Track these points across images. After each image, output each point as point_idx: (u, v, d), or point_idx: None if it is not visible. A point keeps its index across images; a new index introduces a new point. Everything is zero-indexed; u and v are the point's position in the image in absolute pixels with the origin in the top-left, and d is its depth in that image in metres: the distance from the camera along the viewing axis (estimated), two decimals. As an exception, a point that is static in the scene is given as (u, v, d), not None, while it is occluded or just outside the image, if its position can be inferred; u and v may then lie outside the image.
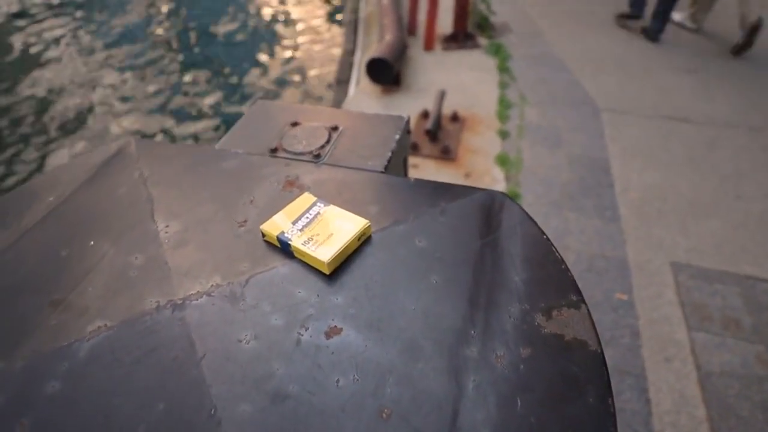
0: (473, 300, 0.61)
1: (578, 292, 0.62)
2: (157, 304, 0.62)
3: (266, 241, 0.71)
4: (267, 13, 6.67)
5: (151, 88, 4.92)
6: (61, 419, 0.52)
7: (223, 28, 6.12)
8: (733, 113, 3.38)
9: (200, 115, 4.57)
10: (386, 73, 3.38)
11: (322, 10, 6.60)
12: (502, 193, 0.76)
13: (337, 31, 5.91)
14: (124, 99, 4.77)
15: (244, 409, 0.51)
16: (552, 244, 0.68)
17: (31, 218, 0.77)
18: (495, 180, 2.75)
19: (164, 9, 6.65)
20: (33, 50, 5.59)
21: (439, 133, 3.02)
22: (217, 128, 4.39)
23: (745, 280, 2.21)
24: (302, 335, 0.58)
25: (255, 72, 5.27)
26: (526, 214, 0.73)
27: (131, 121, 4.48)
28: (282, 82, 5.11)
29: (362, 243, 0.70)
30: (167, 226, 0.74)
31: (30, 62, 5.35)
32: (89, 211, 0.78)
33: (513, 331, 0.58)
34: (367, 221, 0.70)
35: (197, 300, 0.63)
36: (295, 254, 0.68)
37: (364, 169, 0.87)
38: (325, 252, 0.65)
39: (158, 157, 0.88)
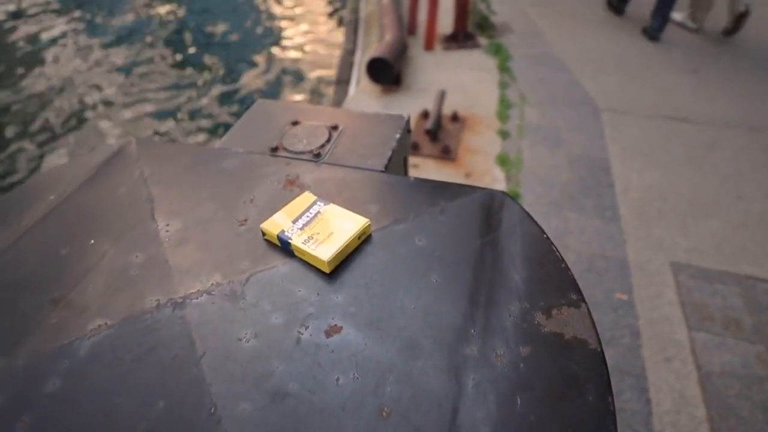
0: (473, 299, 0.61)
1: (578, 291, 0.62)
2: (157, 303, 0.62)
3: (266, 240, 0.71)
4: (267, 12, 6.67)
5: (151, 88, 4.92)
6: (61, 417, 0.52)
7: (222, 28, 6.13)
8: (733, 113, 3.38)
9: (200, 115, 4.58)
10: (386, 73, 3.38)
11: (323, 10, 6.60)
12: (502, 192, 0.76)
13: (337, 31, 5.91)
14: (124, 99, 4.77)
15: (244, 407, 0.52)
16: (552, 243, 0.68)
17: (32, 217, 0.77)
18: (495, 180, 2.75)
19: (163, 8, 6.65)
20: (31, 49, 5.59)
21: (439, 132, 3.02)
22: (217, 127, 4.39)
23: (745, 280, 2.21)
24: (302, 334, 0.58)
25: (255, 71, 5.27)
26: (526, 213, 0.73)
27: (131, 121, 4.48)
28: (282, 82, 5.11)
29: (362, 242, 0.70)
30: (168, 225, 0.74)
31: (28, 62, 5.35)
32: (90, 210, 0.78)
33: (513, 329, 0.58)
34: (367, 220, 0.70)
35: (197, 298, 0.63)
36: (296, 253, 0.68)
37: (364, 168, 0.87)
38: (325, 251, 0.65)
39: (159, 157, 0.88)
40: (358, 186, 0.80)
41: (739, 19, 4.13)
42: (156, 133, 4.33)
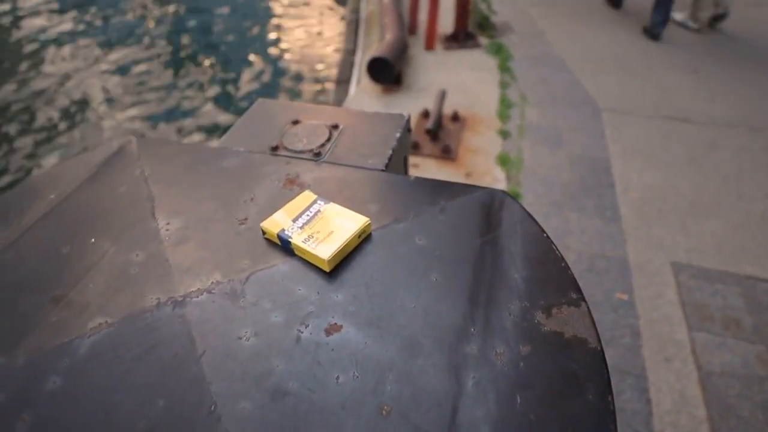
0: (473, 298, 0.61)
1: (578, 290, 0.62)
2: (157, 301, 0.63)
3: (267, 239, 0.71)
4: (267, 12, 6.67)
5: (151, 87, 4.92)
6: (61, 415, 0.52)
7: (222, 27, 6.13)
8: (733, 113, 3.37)
9: (200, 114, 4.58)
10: (387, 73, 3.38)
11: (323, 10, 6.60)
12: (502, 191, 0.76)
13: (337, 31, 5.91)
14: (124, 98, 4.77)
15: (244, 406, 0.52)
16: (552, 242, 0.68)
17: (33, 216, 0.77)
18: (496, 180, 2.75)
19: (163, 8, 6.66)
20: (31, 49, 5.60)
21: (439, 132, 3.02)
22: (217, 127, 4.39)
23: (745, 280, 2.21)
24: (302, 332, 0.58)
25: (255, 71, 5.27)
26: (526, 212, 0.73)
27: (131, 120, 4.48)
28: (282, 81, 5.11)
29: (362, 241, 0.70)
30: (168, 224, 0.74)
31: (27, 61, 5.35)
32: (90, 208, 0.78)
33: (513, 328, 0.58)
34: (367, 219, 0.70)
35: (198, 297, 0.63)
36: (296, 252, 0.68)
37: (364, 167, 0.87)
38: (325, 249, 0.65)
39: (159, 156, 0.88)
40: (358, 185, 0.80)
41: (716, 20, 4.28)
42: (156, 132, 4.33)
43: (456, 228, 0.71)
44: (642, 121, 3.30)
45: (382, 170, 0.87)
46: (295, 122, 1.00)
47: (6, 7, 6.49)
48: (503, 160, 2.89)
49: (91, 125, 4.42)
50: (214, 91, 4.92)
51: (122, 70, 5.19)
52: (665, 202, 2.64)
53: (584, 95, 3.58)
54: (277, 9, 6.74)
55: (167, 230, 0.73)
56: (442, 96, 3.13)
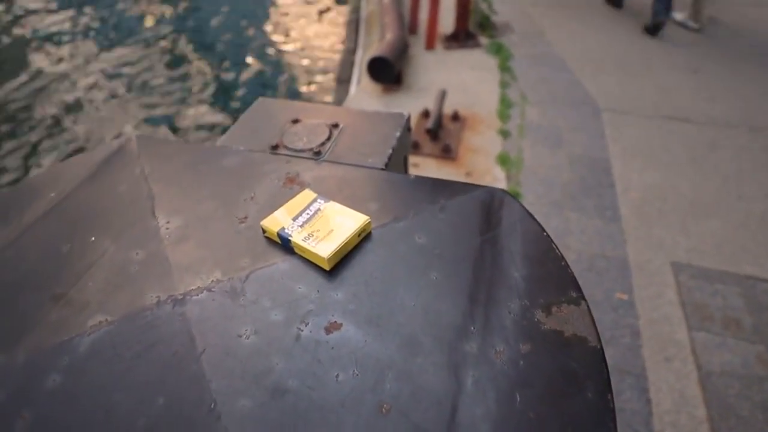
0: (473, 296, 0.61)
1: (578, 289, 0.62)
2: (157, 300, 0.63)
3: (267, 237, 0.71)
4: (267, 11, 6.67)
5: (151, 86, 4.92)
6: (61, 413, 0.52)
7: (223, 27, 6.13)
8: (733, 113, 3.37)
9: (200, 113, 4.58)
10: (387, 72, 3.38)
11: (323, 9, 6.60)
12: (502, 190, 0.76)
13: (338, 30, 5.91)
14: (124, 97, 4.77)
15: (244, 403, 0.52)
16: (552, 241, 0.68)
17: (33, 214, 0.77)
18: (496, 179, 2.75)
19: (163, 7, 6.66)
20: (30, 48, 5.60)
21: (440, 132, 3.02)
22: (217, 126, 4.39)
23: (745, 280, 2.21)
24: (302, 330, 0.58)
25: (255, 70, 5.27)
26: (526, 211, 0.73)
27: (131, 119, 4.48)
28: (283, 80, 5.11)
29: (362, 239, 0.70)
30: (168, 223, 0.74)
31: (27, 61, 5.35)
32: (90, 207, 0.78)
33: (512, 327, 0.58)
34: (367, 217, 0.70)
35: (197, 295, 0.63)
36: (296, 250, 0.68)
37: (364, 166, 0.87)
38: (325, 248, 0.65)
39: (159, 155, 0.88)
40: (358, 184, 0.80)
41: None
42: (156, 131, 4.34)
43: (456, 226, 0.71)
44: (642, 121, 3.30)
45: (382, 169, 0.87)
46: (295, 121, 1.01)
47: (6, 6, 6.49)
48: (503, 160, 2.89)
49: (91, 124, 4.42)
50: (213, 90, 4.92)
51: (122, 69, 5.19)
52: (665, 202, 2.64)
53: (584, 95, 3.58)
54: (277, 8, 6.74)
55: (167, 229, 0.73)
56: (443, 95, 3.13)
